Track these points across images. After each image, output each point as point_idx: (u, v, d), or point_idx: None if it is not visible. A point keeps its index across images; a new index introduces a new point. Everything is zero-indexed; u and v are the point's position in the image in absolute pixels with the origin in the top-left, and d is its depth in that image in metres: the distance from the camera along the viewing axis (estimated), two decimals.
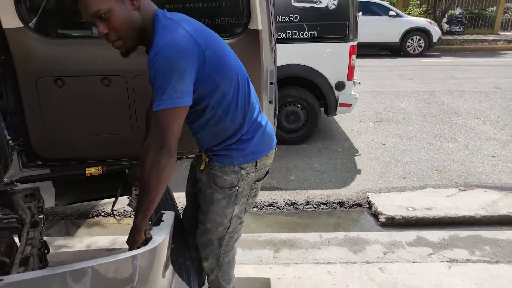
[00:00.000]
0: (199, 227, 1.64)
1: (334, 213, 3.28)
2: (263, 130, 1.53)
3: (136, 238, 1.28)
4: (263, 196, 3.40)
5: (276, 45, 2.38)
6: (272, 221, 3.13)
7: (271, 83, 2.19)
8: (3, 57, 1.83)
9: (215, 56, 1.33)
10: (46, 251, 1.71)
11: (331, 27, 4.14)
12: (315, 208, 3.31)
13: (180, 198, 1.91)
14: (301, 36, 4.14)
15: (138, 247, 1.20)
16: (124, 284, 0.87)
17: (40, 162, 2.01)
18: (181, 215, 1.86)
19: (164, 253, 0.95)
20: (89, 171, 1.94)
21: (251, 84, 1.51)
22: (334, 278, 2.32)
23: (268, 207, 3.30)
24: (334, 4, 4.08)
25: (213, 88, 1.35)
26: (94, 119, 1.97)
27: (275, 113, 2.27)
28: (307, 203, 3.34)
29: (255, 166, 1.51)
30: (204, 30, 1.36)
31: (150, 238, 1.13)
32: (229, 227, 1.59)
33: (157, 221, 1.24)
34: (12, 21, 1.78)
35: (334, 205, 3.33)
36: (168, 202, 1.99)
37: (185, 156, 2.06)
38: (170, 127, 1.23)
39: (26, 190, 1.94)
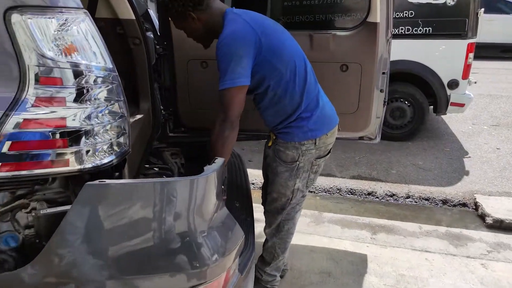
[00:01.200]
0: (268, 197, 1.88)
1: (435, 209, 3.26)
2: (322, 109, 1.70)
3: None
4: (363, 185, 3.53)
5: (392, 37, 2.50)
6: (370, 208, 3.25)
7: (383, 73, 2.33)
8: (165, 43, 2.32)
9: (271, 42, 1.56)
10: None
11: (448, 23, 4.04)
12: (416, 202, 3.33)
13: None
14: (414, 32, 4.12)
15: None
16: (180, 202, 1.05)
17: (183, 129, 2.47)
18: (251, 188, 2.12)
19: (212, 183, 1.13)
20: None
21: (309, 65, 1.70)
22: (432, 265, 2.38)
23: (367, 196, 3.42)
24: (453, 0, 3.97)
25: (271, 70, 1.58)
26: None
27: (384, 101, 2.40)
28: (408, 197, 3.38)
29: (315, 143, 1.68)
30: (263, 20, 1.61)
31: None
32: (291, 199, 1.79)
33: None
34: None
35: (437, 201, 3.31)
36: (241, 173, 2.31)
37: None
38: (231, 104, 1.50)
39: (172, 149, 2.44)
